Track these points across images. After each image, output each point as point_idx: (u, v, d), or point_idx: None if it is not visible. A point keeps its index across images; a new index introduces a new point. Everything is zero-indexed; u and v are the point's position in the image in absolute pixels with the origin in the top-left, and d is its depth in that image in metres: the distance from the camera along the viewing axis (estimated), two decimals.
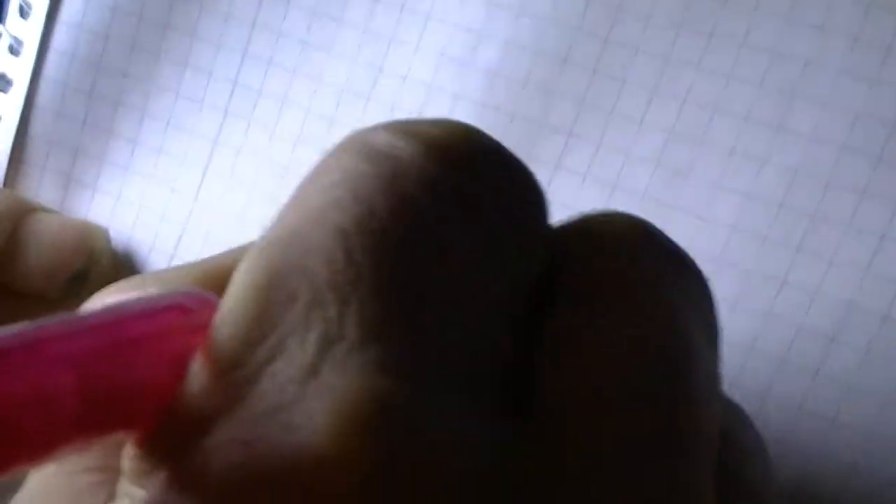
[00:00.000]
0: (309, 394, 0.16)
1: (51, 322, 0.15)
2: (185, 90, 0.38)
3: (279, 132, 0.37)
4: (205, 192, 0.38)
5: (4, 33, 0.40)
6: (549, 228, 0.20)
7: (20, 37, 0.39)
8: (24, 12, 0.39)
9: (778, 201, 0.30)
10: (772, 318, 0.30)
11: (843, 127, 0.30)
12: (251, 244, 0.23)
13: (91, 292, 0.36)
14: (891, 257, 0.29)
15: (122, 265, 0.38)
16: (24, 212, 0.37)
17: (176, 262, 0.38)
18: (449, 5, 0.35)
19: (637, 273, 0.20)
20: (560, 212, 0.20)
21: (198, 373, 0.17)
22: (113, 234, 0.39)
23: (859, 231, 0.29)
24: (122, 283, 0.24)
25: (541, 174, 0.19)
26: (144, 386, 0.17)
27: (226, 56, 0.38)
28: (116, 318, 0.16)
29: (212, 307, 0.17)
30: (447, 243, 0.18)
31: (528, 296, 0.19)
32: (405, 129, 0.19)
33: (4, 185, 0.40)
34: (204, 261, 0.24)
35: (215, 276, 0.22)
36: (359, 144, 0.19)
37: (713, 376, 0.19)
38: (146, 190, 0.39)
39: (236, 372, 0.16)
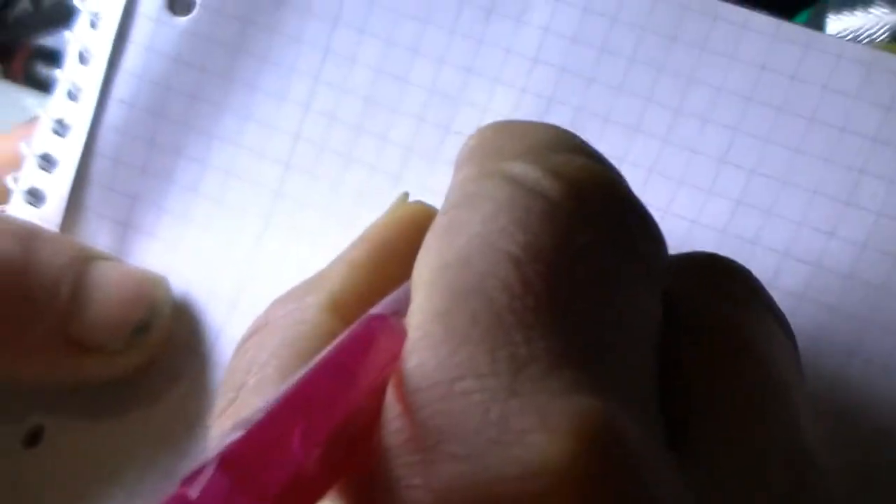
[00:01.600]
0: (514, 412, 0.16)
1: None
2: (247, 141, 0.39)
3: (342, 187, 0.37)
4: (266, 241, 0.38)
5: (63, 79, 0.40)
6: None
7: (79, 83, 0.40)
8: (83, 59, 0.40)
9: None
10: None
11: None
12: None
13: (153, 344, 0.37)
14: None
15: (182, 315, 0.38)
16: (86, 259, 0.37)
17: (237, 310, 0.38)
18: (518, 69, 0.35)
19: (757, 327, 0.23)
20: None
21: (394, 406, 0.17)
22: (171, 282, 0.39)
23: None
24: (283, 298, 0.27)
25: None
26: (359, 427, 0.17)
27: (289, 109, 0.38)
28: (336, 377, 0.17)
29: (399, 334, 0.18)
30: (609, 274, 0.20)
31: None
32: (546, 166, 0.21)
33: (62, 230, 0.40)
34: (345, 255, 0.27)
35: (360, 266, 0.26)
36: (501, 174, 0.21)
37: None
38: (204, 238, 0.39)
39: (428, 393, 0.17)
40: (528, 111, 0.35)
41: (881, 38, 0.34)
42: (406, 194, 0.31)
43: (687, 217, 0.33)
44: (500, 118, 0.36)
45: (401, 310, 0.20)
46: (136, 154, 0.40)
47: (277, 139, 0.38)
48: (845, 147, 0.31)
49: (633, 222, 0.21)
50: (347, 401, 0.17)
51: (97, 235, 0.40)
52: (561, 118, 0.35)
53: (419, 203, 0.29)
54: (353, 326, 0.18)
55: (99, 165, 0.40)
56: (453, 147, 0.36)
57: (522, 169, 0.20)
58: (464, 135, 0.36)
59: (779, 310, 0.25)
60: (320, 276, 0.26)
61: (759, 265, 0.31)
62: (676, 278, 0.23)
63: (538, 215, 0.19)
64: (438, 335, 0.17)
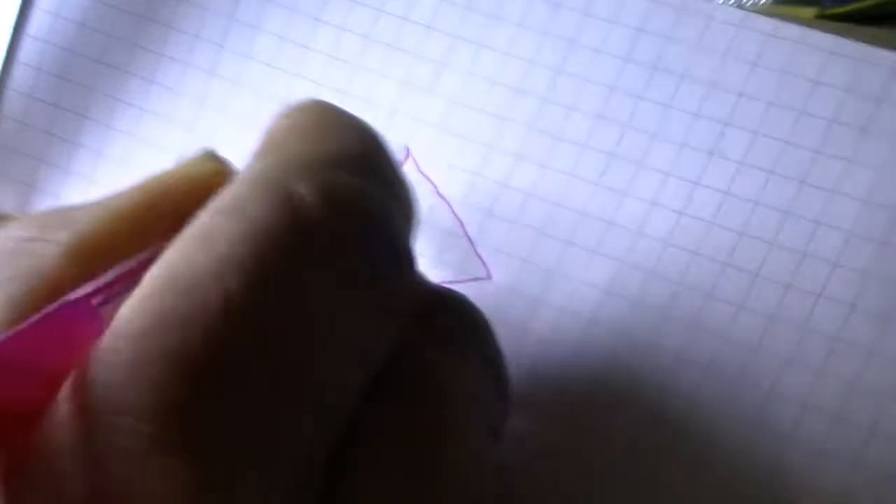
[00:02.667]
0: (155, 470, 0.17)
1: None
2: (151, 106, 0.40)
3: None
4: None
5: None
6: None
7: None
8: None
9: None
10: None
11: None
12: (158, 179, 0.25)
13: None
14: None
15: None
16: None
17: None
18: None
19: (448, 373, 0.23)
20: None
21: (64, 405, 0.17)
22: None
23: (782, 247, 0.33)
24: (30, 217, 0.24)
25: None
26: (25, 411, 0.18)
27: (194, 74, 0.40)
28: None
29: (98, 325, 0.18)
30: (329, 319, 0.20)
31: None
32: (326, 188, 0.21)
33: None
34: (112, 200, 0.25)
35: (123, 217, 0.24)
36: (281, 193, 0.20)
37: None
38: None
39: (91, 417, 0.17)
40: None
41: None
42: (212, 151, 0.28)
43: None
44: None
45: (128, 285, 0.19)
46: (42, 117, 0.40)
47: (182, 104, 0.40)
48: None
49: (382, 257, 0.22)
50: (14, 388, 0.17)
51: (3, 197, 0.41)
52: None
53: (222, 165, 0.27)
54: (49, 310, 0.18)
55: (5, 128, 0.41)
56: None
57: (307, 190, 0.20)
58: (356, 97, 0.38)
59: (493, 350, 0.26)
60: (81, 212, 0.24)
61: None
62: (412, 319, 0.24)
63: (286, 251, 0.19)
64: (124, 356, 0.17)
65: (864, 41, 0.32)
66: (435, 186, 0.37)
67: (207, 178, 0.25)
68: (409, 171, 0.37)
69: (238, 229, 0.19)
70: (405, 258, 0.23)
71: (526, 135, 0.36)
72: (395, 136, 0.38)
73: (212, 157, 0.27)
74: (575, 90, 0.36)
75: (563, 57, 0.36)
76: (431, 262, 0.36)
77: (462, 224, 0.36)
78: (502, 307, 0.35)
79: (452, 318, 0.26)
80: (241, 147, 0.24)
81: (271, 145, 0.24)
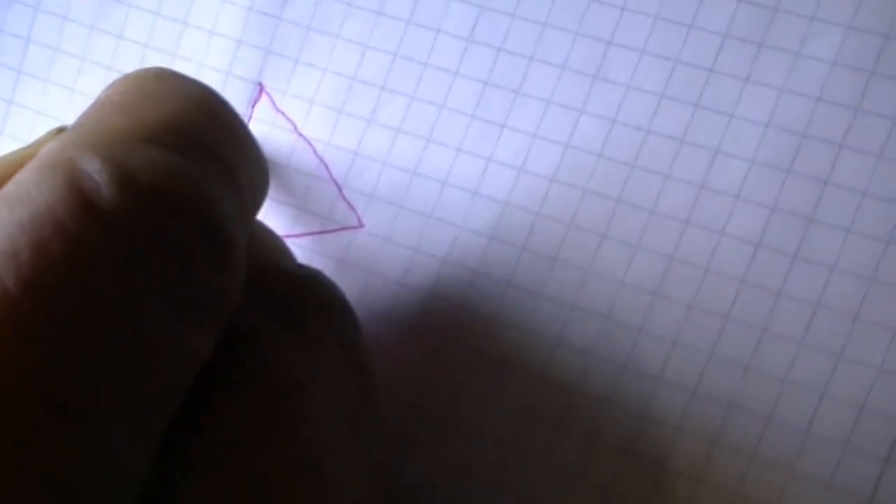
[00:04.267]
0: None
1: None
2: None
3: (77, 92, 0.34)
4: None
5: None
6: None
7: None
8: None
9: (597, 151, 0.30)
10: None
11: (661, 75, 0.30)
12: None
13: None
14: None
15: None
16: None
17: None
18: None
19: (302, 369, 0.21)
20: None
21: None
22: None
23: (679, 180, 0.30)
24: None
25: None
26: None
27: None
28: None
29: None
30: (130, 317, 0.17)
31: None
32: (125, 165, 0.18)
33: None
34: None
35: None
36: (68, 170, 0.18)
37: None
38: None
39: None
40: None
41: None
42: (63, 127, 0.26)
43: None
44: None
45: None
46: None
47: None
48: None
49: (197, 247, 0.18)
50: None
51: None
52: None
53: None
54: None
55: None
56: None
57: (99, 169, 0.17)
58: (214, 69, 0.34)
59: (353, 331, 0.24)
60: None
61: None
62: (257, 299, 0.21)
63: (71, 241, 0.16)
64: None
65: None
66: (294, 125, 0.33)
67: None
68: (263, 110, 0.33)
69: (16, 217, 0.16)
70: (231, 246, 0.19)
71: (391, 63, 0.32)
72: (245, 70, 0.33)
73: (60, 131, 0.25)
74: (442, 7, 0.32)
75: None
76: (296, 210, 0.33)
77: (327, 167, 0.32)
78: (376, 258, 0.32)
79: (308, 301, 0.23)
80: None
81: (79, 121, 0.21)
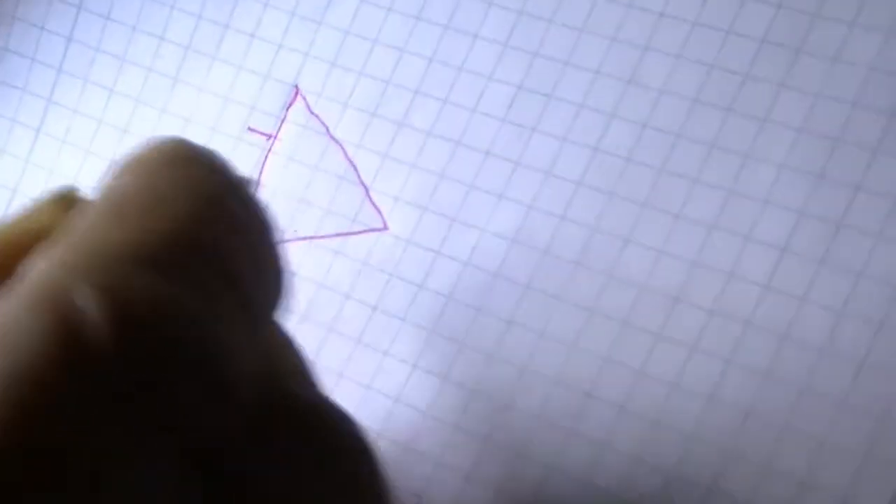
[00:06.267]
0: None
1: None
2: None
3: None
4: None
5: None
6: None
7: None
8: None
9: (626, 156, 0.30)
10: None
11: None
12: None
13: None
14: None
15: None
16: None
17: None
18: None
19: None
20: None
21: None
22: None
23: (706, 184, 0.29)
24: None
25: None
26: None
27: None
28: None
29: None
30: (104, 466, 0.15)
31: None
32: (118, 293, 0.16)
33: None
34: None
35: None
36: (53, 301, 0.16)
37: None
38: None
39: None
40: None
41: None
42: (67, 192, 0.22)
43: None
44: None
45: None
46: None
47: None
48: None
49: (194, 393, 0.17)
50: None
51: None
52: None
53: (70, 210, 0.22)
54: None
55: None
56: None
57: (93, 303, 0.15)
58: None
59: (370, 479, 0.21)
60: None
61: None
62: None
63: (54, 392, 0.15)
64: None
65: None
66: (327, 128, 0.33)
67: (47, 229, 0.20)
68: (298, 112, 0.33)
69: None
70: (230, 386, 0.17)
71: (427, 67, 0.32)
72: (283, 73, 0.34)
73: (62, 200, 0.21)
74: (480, 14, 0.32)
75: None
76: (323, 211, 0.32)
77: (356, 169, 0.32)
78: (399, 260, 0.31)
79: (315, 443, 0.21)
80: None
81: (75, 226, 0.18)
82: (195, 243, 0.18)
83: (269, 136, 0.33)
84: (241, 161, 0.34)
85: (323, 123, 0.33)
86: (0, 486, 0.14)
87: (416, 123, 0.32)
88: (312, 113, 0.33)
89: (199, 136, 0.34)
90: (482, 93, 0.31)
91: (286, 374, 0.22)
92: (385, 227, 0.31)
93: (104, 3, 0.36)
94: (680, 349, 0.28)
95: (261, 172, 0.33)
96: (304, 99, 0.33)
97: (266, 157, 0.33)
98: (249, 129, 0.34)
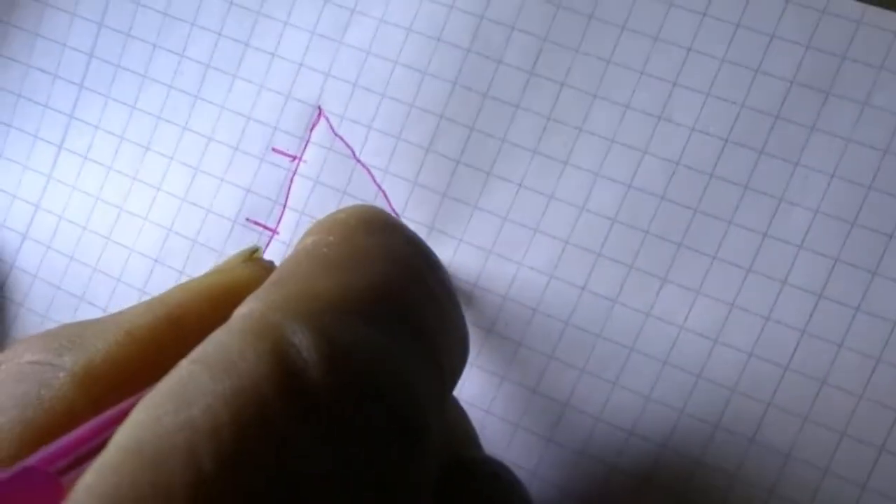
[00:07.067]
0: None
1: None
2: None
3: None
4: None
5: None
6: None
7: None
8: None
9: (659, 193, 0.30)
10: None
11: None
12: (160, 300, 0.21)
13: None
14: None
15: None
16: None
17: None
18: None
19: None
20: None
21: None
22: None
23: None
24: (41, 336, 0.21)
25: None
26: None
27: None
28: None
29: (57, 494, 0.15)
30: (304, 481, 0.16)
31: None
32: (330, 342, 0.17)
33: None
34: (128, 316, 0.21)
35: (138, 338, 0.20)
36: (275, 342, 0.17)
37: None
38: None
39: None
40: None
41: None
42: (256, 249, 0.24)
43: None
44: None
45: (97, 445, 0.16)
46: None
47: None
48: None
49: (388, 435, 0.17)
50: None
51: None
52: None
53: (259, 266, 0.23)
54: (2, 477, 0.15)
55: None
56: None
57: (306, 343, 0.16)
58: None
59: None
60: (93, 331, 0.21)
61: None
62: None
63: (273, 420, 0.16)
64: None
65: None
66: (352, 150, 0.33)
67: (243, 285, 0.22)
68: (321, 133, 0.33)
69: (220, 389, 0.15)
70: (423, 434, 0.18)
71: (451, 92, 0.32)
72: (304, 93, 0.33)
73: (253, 257, 0.23)
74: (503, 38, 0.31)
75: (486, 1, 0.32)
76: None
77: (386, 196, 0.32)
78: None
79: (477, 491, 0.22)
80: None
81: (282, 275, 0.19)
82: (392, 300, 0.19)
83: (294, 158, 0.33)
84: (266, 181, 0.34)
85: (348, 146, 0.33)
86: (216, 494, 0.14)
87: (443, 150, 0.32)
88: (336, 135, 0.33)
89: (222, 155, 0.34)
90: (511, 121, 0.31)
91: (458, 436, 0.23)
92: None
93: (125, 19, 0.35)
94: (721, 390, 0.29)
95: (287, 194, 0.33)
96: (328, 120, 0.33)
97: (292, 178, 0.33)
98: (273, 149, 0.34)
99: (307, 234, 0.21)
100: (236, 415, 0.15)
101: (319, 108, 0.33)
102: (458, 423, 0.26)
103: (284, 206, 0.33)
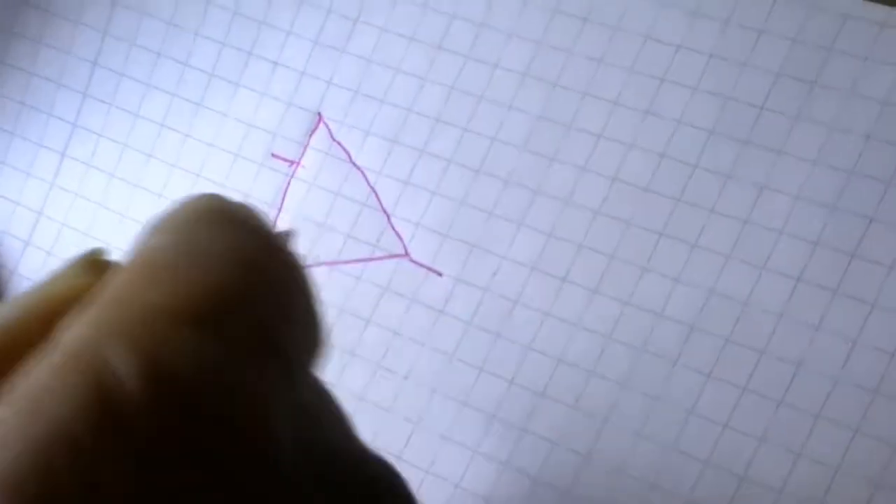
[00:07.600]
0: None
1: None
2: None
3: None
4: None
5: None
6: None
7: None
8: None
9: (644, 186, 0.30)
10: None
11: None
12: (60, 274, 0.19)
13: None
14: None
15: None
16: None
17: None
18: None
19: None
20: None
21: None
22: None
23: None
24: None
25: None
26: None
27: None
28: None
29: None
30: None
31: None
32: (154, 357, 0.16)
33: None
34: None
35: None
36: (93, 364, 0.16)
37: None
38: None
39: None
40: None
41: None
42: (95, 254, 0.23)
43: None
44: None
45: None
46: None
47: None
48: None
49: (235, 456, 0.16)
50: None
51: None
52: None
53: (99, 271, 0.21)
54: None
55: None
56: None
57: (127, 367, 0.15)
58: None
59: None
60: None
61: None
62: None
63: (88, 462, 0.14)
64: None
65: None
66: (349, 155, 0.33)
67: (78, 292, 0.20)
68: (320, 139, 0.34)
69: (31, 434, 0.14)
70: (267, 447, 0.17)
71: (448, 96, 0.33)
72: (306, 100, 0.34)
73: (92, 262, 0.22)
74: (500, 44, 0.32)
75: (486, 9, 0.32)
76: (345, 237, 0.33)
77: (377, 196, 0.33)
78: (419, 286, 0.32)
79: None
80: None
81: (114, 287, 0.18)
82: (229, 302, 0.18)
83: (293, 163, 0.34)
84: (264, 186, 0.34)
85: (345, 150, 0.33)
86: None
87: (437, 151, 0.32)
88: (335, 140, 0.34)
89: (223, 161, 0.35)
90: (502, 122, 0.32)
91: (326, 425, 0.22)
92: (406, 254, 0.32)
93: (129, 28, 0.36)
94: (697, 376, 0.29)
95: (283, 198, 0.34)
96: (327, 126, 0.34)
97: (289, 182, 0.34)
98: (273, 155, 0.34)
99: (148, 234, 0.20)
100: (43, 464, 0.14)
101: (320, 114, 0.34)
102: (326, 414, 0.24)
103: (279, 210, 0.34)
